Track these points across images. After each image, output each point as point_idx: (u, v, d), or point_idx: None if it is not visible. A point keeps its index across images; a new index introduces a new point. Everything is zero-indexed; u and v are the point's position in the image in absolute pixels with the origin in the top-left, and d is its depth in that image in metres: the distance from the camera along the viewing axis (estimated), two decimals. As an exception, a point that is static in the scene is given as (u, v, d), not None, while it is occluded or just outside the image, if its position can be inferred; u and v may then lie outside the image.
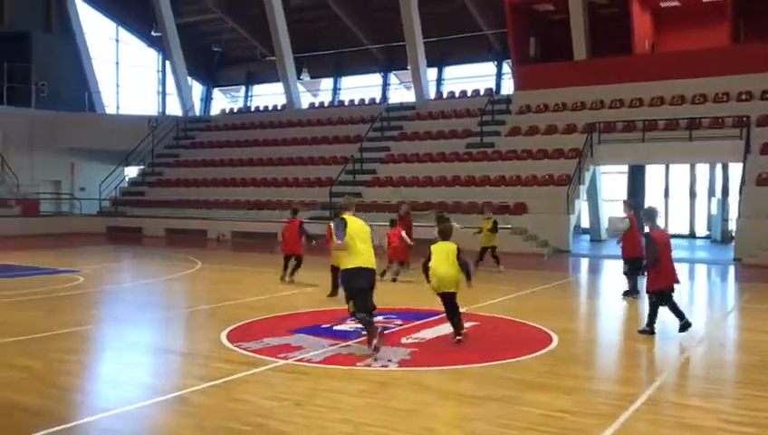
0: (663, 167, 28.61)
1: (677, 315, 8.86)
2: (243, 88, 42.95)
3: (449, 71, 35.98)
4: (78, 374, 7.23)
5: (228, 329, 9.00)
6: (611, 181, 28.84)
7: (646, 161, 25.87)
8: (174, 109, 39.58)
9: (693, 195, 28.67)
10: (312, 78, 38.48)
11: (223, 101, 43.60)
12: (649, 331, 8.89)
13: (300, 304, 11.25)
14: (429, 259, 8.50)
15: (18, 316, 10.08)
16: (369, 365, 7.23)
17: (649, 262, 8.97)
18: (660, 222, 10.18)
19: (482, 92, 30.76)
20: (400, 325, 9.36)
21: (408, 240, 14.34)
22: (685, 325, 8.79)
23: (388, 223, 15.36)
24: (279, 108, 35.39)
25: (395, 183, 26.33)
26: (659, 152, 23.41)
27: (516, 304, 11.75)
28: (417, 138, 28.67)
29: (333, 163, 28.88)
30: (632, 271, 12.05)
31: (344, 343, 8.19)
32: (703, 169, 28.40)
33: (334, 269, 11.36)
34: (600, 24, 27.56)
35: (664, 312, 8.99)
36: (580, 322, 11.18)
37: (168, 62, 38.97)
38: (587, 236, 27.59)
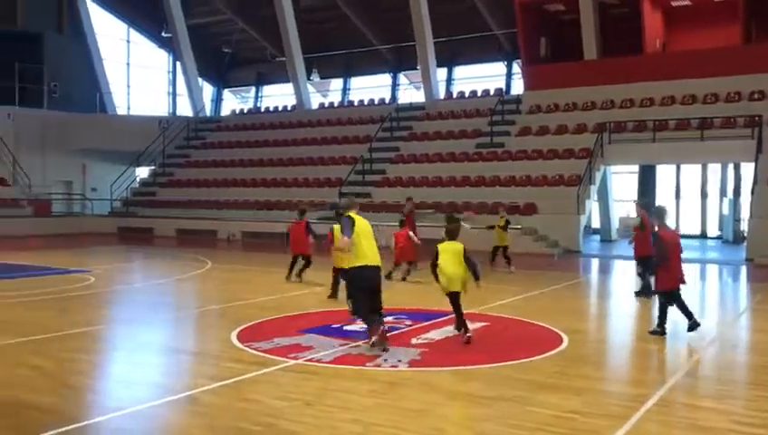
0: (674, 167, 28.47)
1: (686, 315, 8.82)
2: (253, 89, 43.08)
3: (459, 71, 35.94)
4: (89, 374, 7.26)
5: (239, 329, 9.02)
6: (622, 181, 28.71)
7: (656, 161, 25.75)
8: (184, 109, 39.76)
9: (704, 195, 28.50)
10: (321, 78, 38.54)
11: (233, 102, 43.75)
12: (660, 331, 8.85)
13: (310, 305, 11.26)
14: (437, 259, 8.53)
15: (30, 316, 10.15)
16: (379, 365, 7.23)
17: (658, 261, 8.94)
18: (670, 222, 10.14)
19: (492, 92, 30.71)
20: (410, 326, 9.35)
21: (416, 239, 14.33)
22: (693, 325, 8.75)
23: (397, 223, 15.38)
24: (289, 108, 35.46)
25: (404, 183, 26.32)
26: (670, 152, 23.30)
27: (526, 304, 11.72)
28: (427, 138, 28.65)
29: (343, 163, 28.90)
30: (646, 270, 12.00)
31: (354, 344, 8.19)
32: (714, 169, 28.23)
33: (335, 270, 11.40)
34: (611, 23, 27.46)
35: (675, 312, 8.94)
36: (590, 322, 11.14)
37: (178, 63, 39.13)
38: (597, 237, 27.48)
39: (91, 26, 36.54)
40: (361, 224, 8.16)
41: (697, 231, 28.31)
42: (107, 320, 10.42)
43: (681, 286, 8.96)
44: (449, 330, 8.89)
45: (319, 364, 7.26)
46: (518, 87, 31.98)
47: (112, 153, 33.45)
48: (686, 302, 8.98)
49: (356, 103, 34.81)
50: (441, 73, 33.48)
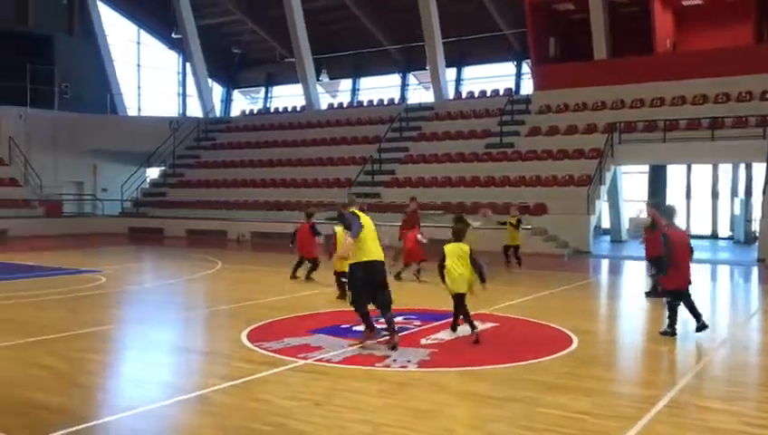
0: (684, 167, 28.33)
1: (694, 316, 8.79)
2: (262, 89, 43.18)
3: (468, 71, 35.89)
4: (99, 373, 7.30)
5: (249, 329, 9.05)
6: (632, 181, 28.59)
7: (667, 161, 25.62)
8: (194, 110, 39.89)
9: (715, 195, 28.33)
10: (330, 79, 38.58)
11: (243, 103, 43.85)
12: (671, 332, 8.81)
13: (320, 305, 11.28)
14: (444, 260, 8.55)
15: (41, 316, 10.21)
16: (389, 366, 7.24)
17: (666, 261, 8.92)
18: (680, 222, 10.11)
19: (501, 92, 30.63)
20: (419, 326, 9.35)
21: (424, 239, 14.32)
22: (701, 326, 8.72)
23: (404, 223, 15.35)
24: (298, 109, 35.51)
25: (413, 184, 26.32)
26: (681, 152, 23.18)
27: (536, 304, 11.69)
28: (436, 138, 28.63)
29: (352, 164, 28.92)
30: (659, 271, 11.94)
31: (363, 344, 8.19)
32: (725, 169, 28.07)
33: (337, 274, 11.42)
34: (621, 23, 27.34)
35: (686, 313, 8.90)
36: (600, 323, 11.11)
37: (188, 64, 39.28)
38: (607, 237, 27.38)
39: (102, 28, 36.72)
40: (364, 220, 8.25)
41: (708, 232, 28.15)
42: (117, 320, 10.47)
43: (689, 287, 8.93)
44: (463, 330, 8.88)
45: (328, 364, 7.28)
46: (527, 87, 31.91)
47: (123, 154, 33.60)
48: (696, 303, 8.94)
49: (365, 104, 34.82)
50: (450, 73, 33.44)
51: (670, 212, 9.34)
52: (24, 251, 20.61)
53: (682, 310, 8.89)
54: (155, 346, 8.62)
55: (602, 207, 24.68)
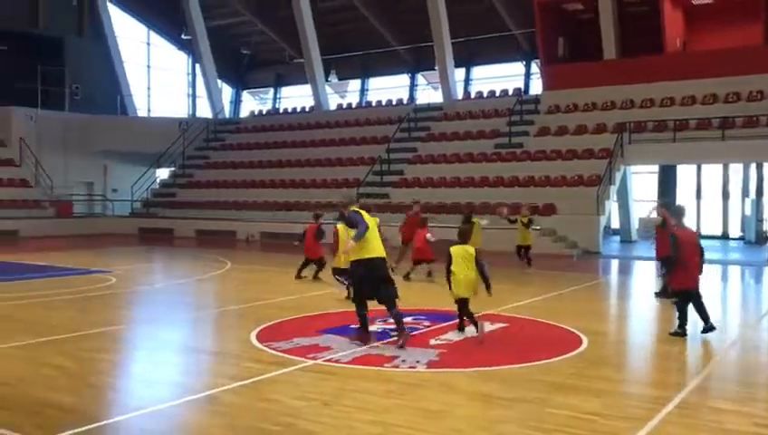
0: (695, 167, 28.18)
1: (702, 317, 8.75)
2: (271, 90, 43.27)
3: (477, 71, 35.85)
4: (110, 373, 7.34)
5: (258, 329, 9.07)
6: (642, 181, 28.47)
7: (677, 161, 25.50)
8: (204, 111, 40.03)
9: (726, 195, 28.17)
10: (339, 79, 38.63)
11: (252, 104, 43.95)
12: (681, 333, 8.77)
13: (329, 305, 11.28)
14: (451, 263, 8.55)
15: (52, 316, 10.27)
16: (398, 366, 7.24)
17: (674, 261, 8.90)
18: (690, 222, 10.08)
19: (510, 92, 30.58)
20: (428, 327, 9.35)
21: (433, 238, 14.32)
22: (708, 328, 8.69)
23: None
24: (307, 110, 35.56)
25: (422, 184, 26.33)
26: (691, 152, 23.07)
27: (545, 305, 11.66)
28: (445, 138, 28.60)
29: (361, 164, 28.94)
30: (668, 270, 11.89)
31: (373, 344, 8.20)
32: (736, 169, 27.90)
33: (338, 271, 11.50)
34: (630, 22, 27.23)
35: (696, 313, 8.86)
36: (610, 323, 11.07)
37: (198, 65, 39.42)
38: (617, 238, 27.28)
39: (112, 29, 36.89)
40: (366, 217, 8.33)
41: (719, 232, 28.00)
42: (128, 320, 10.52)
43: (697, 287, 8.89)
44: (470, 330, 8.87)
45: (337, 365, 7.28)
46: (537, 87, 31.84)
47: (133, 155, 33.75)
48: (706, 304, 8.89)
49: (374, 104, 34.83)
50: (459, 74, 33.39)
51: (679, 212, 9.32)
52: (35, 251, 20.74)
53: (692, 310, 8.85)
54: (165, 346, 8.66)
55: (612, 207, 24.58)
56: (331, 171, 29.42)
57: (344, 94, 40.05)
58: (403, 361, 7.42)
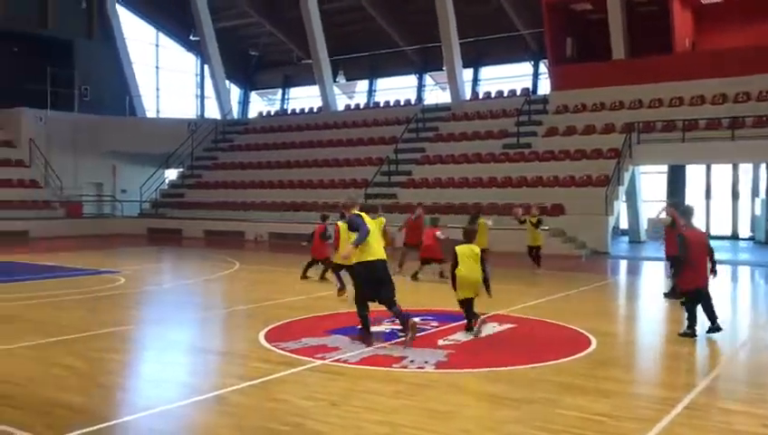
0: (704, 167, 28.06)
1: (710, 317, 8.72)
2: (280, 91, 43.36)
3: (485, 71, 35.80)
4: (119, 373, 7.37)
5: (266, 329, 9.09)
6: (651, 182, 28.37)
7: (686, 161, 25.40)
8: (212, 112, 40.15)
9: (735, 195, 28.03)
10: (347, 80, 38.64)
11: (260, 105, 44.06)
12: (690, 333, 8.73)
13: (337, 305, 11.29)
14: (457, 263, 8.57)
15: (62, 316, 10.32)
16: (406, 367, 7.24)
17: (682, 261, 8.87)
18: (700, 222, 10.05)
19: (518, 93, 30.53)
20: (437, 327, 9.34)
21: (442, 236, 14.31)
22: (715, 329, 8.65)
23: (428, 222, 15.32)
24: (315, 110, 35.62)
25: (430, 184, 26.32)
26: (700, 152, 22.97)
27: (554, 305, 11.64)
28: (453, 139, 28.58)
29: (369, 165, 28.96)
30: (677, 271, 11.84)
31: (381, 345, 8.20)
32: (746, 169, 27.76)
33: (336, 266, 11.77)
34: (639, 22, 27.13)
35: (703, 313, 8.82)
36: (619, 324, 11.04)
37: (206, 67, 39.54)
38: (626, 238, 27.19)
39: (121, 31, 37.05)
40: (368, 221, 8.42)
41: (729, 232, 27.87)
42: (136, 320, 10.56)
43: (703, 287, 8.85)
44: (485, 328, 8.87)
45: (345, 365, 7.29)
46: (545, 87, 31.77)
47: (142, 155, 33.88)
48: (715, 304, 8.85)
49: (382, 105, 34.84)
50: (467, 74, 33.37)
51: (688, 212, 9.29)
52: (45, 252, 20.84)
53: (701, 311, 8.81)
54: (173, 346, 8.69)
55: (621, 207, 24.51)
56: (338, 172, 29.45)
57: (352, 95, 40.09)
58: (411, 361, 7.41)
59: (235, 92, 42.94)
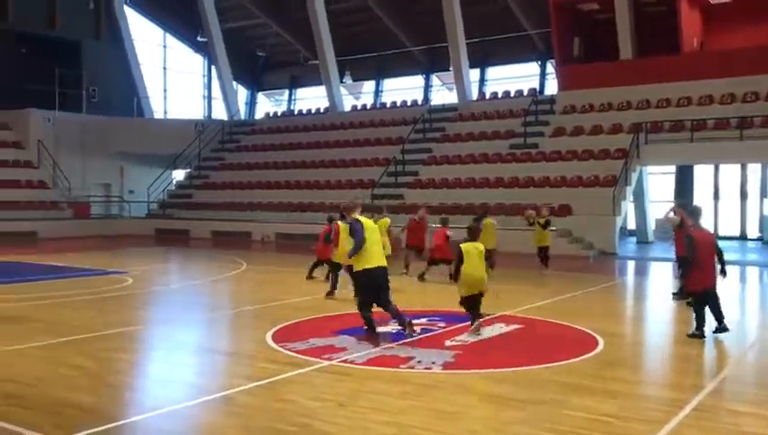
0: (712, 167, 27.95)
1: (717, 317, 8.69)
2: (286, 92, 43.43)
3: (492, 71, 35.77)
4: (128, 373, 7.40)
5: (273, 329, 9.10)
6: (658, 182, 28.28)
7: (694, 162, 25.31)
8: (219, 113, 40.23)
9: (744, 195, 27.92)
10: (354, 81, 38.65)
11: (267, 105, 44.16)
12: (699, 335, 8.69)
13: (345, 306, 11.29)
14: (462, 261, 8.61)
15: (70, 316, 10.36)
16: (413, 368, 7.24)
17: (690, 261, 8.85)
18: (708, 223, 10.03)
19: (525, 93, 30.48)
20: (444, 328, 9.33)
21: (450, 235, 14.29)
22: (721, 329, 8.62)
23: (439, 222, 15.30)
24: (322, 111, 35.65)
25: (437, 185, 26.30)
26: (709, 152, 22.88)
27: (561, 306, 11.61)
28: (460, 139, 28.56)
29: (375, 165, 28.97)
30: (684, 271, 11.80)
31: (388, 345, 8.21)
32: (754, 169, 27.64)
33: (333, 265, 11.96)
34: (647, 22, 27.04)
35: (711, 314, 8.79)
36: (626, 325, 11.01)
37: (213, 67, 39.62)
38: (633, 239, 27.12)
39: (129, 32, 37.18)
40: (367, 226, 8.54)
41: (737, 233, 27.76)
42: (144, 320, 10.59)
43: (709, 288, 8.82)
44: (485, 331, 8.87)
45: (352, 365, 7.29)
46: (552, 87, 31.73)
47: (149, 156, 33.98)
48: (722, 305, 8.82)
49: (388, 105, 34.83)
50: (474, 74, 33.34)
51: (696, 213, 9.27)
52: (53, 252, 20.93)
53: (708, 312, 8.78)
54: (181, 347, 8.72)
55: (628, 208, 24.43)
56: (345, 172, 29.47)
57: (359, 95, 40.12)
58: (418, 362, 7.42)
59: (242, 93, 43.01)
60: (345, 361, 7.46)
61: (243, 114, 41.11)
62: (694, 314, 8.88)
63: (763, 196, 27.23)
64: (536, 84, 32.88)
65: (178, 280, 16.75)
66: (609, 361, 7.70)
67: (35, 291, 12.76)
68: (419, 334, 8.48)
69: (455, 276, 8.93)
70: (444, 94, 35.64)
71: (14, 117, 32.27)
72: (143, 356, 8.53)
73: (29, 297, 11.97)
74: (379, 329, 9.04)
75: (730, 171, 28.21)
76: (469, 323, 9.00)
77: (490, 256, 14.88)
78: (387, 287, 8.56)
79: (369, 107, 35.68)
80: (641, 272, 18.87)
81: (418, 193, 25.85)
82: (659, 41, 26.53)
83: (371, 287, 8.45)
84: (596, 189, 22.65)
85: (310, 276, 14.37)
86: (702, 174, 28.40)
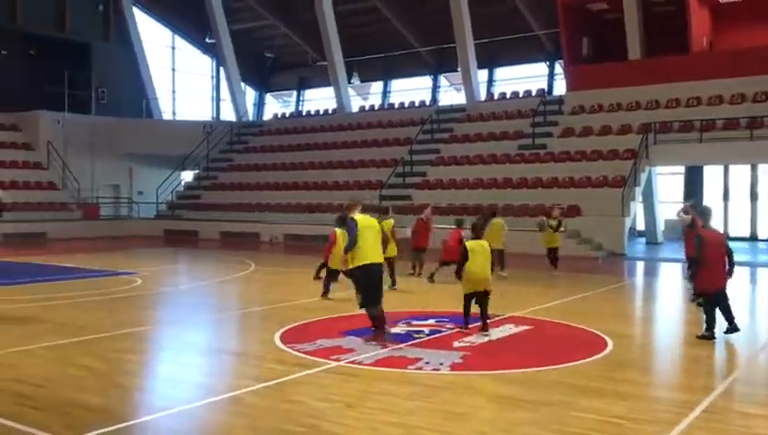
0: (722, 167, 27.80)
1: (727, 318, 8.64)
2: (294, 93, 43.51)
3: (500, 72, 35.73)
4: (136, 374, 7.42)
5: (281, 330, 9.11)
6: (668, 182, 28.16)
7: (704, 162, 25.19)
8: (228, 114, 40.37)
9: (754, 196, 27.76)
10: (362, 81, 38.69)
11: (275, 106, 44.23)
12: (709, 336, 8.64)
13: (352, 307, 11.28)
14: (466, 258, 8.61)
15: (79, 317, 10.39)
16: (421, 368, 7.22)
17: (699, 262, 8.80)
18: (718, 224, 9.97)
19: (534, 93, 30.42)
20: (452, 329, 9.31)
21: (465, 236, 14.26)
22: (732, 329, 8.57)
23: (453, 223, 15.23)
24: (330, 112, 35.69)
25: (445, 186, 26.27)
26: (718, 153, 22.77)
27: (570, 307, 11.57)
28: (468, 140, 28.52)
29: (383, 166, 28.96)
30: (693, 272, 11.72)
31: (396, 346, 8.19)
32: (765, 170, 27.47)
33: (330, 271, 12.04)
34: (656, 22, 26.95)
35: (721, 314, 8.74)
36: (636, 326, 10.96)
37: (222, 69, 39.73)
38: (643, 239, 27.01)
39: (138, 34, 37.34)
40: (364, 223, 8.50)
41: (747, 233, 27.60)
42: (153, 321, 10.62)
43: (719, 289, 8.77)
44: (493, 332, 8.84)
45: (360, 366, 7.29)
46: (560, 88, 31.65)
47: (158, 157, 34.09)
48: (734, 306, 8.76)
49: (396, 106, 34.83)
50: (482, 75, 33.31)
51: (706, 213, 9.21)
52: (63, 253, 21.02)
53: (719, 313, 8.72)
54: (189, 347, 8.73)
55: (637, 208, 24.33)
56: (353, 173, 29.48)
57: (367, 96, 40.14)
58: (426, 363, 7.40)
59: (250, 94, 43.13)
60: (353, 362, 7.45)
61: (251, 115, 41.20)
62: (704, 316, 8.82)
63: (773, 196, 27.09)
64: (544, 85, 32.81)
65: (187, 281, 16.79)
66: (619, 362, 7.66)
67: (44, 292, 12.81)
68: (380, 344, 8.25)
69: (458, 274, 8.93)
70: (452, 95, 35.65)
71: (24, 118, 32.47)
72: (152, 357, 8.54)
73: (38, 298, 12.02)
74: (389, 329, 9.03)
75: (740, 172, 28.05)
76: (476, 324, 8.98)
77: (500, 256, 14.91)
78: (381, 287, 8.58)
79: (377, 108, 35.69)
80: (650, 273, 18.79)
81: (426, 194, 25.83)
82: (668, 40, 26.43)
83: (369, 283, 8.43)
84: (605, 190, 22.57)
85: (317, 277, 14.36)
86: (711, 175, 28.27)
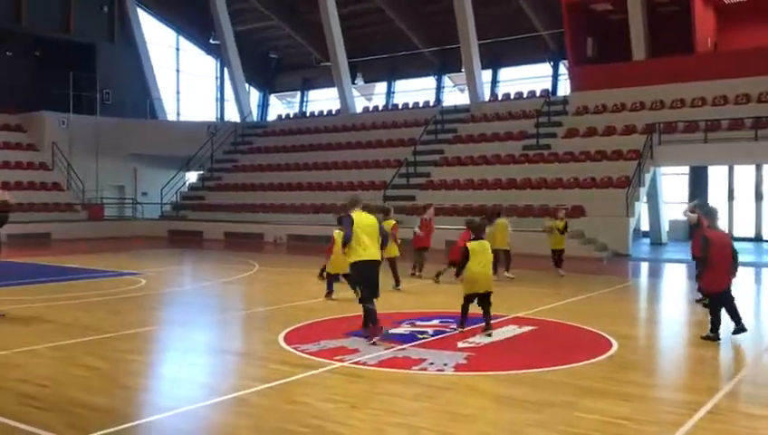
0: (726, 168, 27.73)
1: (733, 318, 8.61)
2: (299, 93, 43.53)
3: (504, 72, 35.69)
4: (141, 374, 7.43)
5: (285, 331, 9.11)
6: (672, 183, 28.10)
7: (709, 162, 25.13)
8: (232, 115, 40.41)
9: (759, 197, 27.68)
10: (366, 82, 38.69)
11: (279, 107, 44.28)
12: (714, 337, 8.62)
13: (356, 307, 11.28)
14: (467, 258, 8.61)
15: (84, 317, 10.42)
16: (425, 369, 7.22)
17: (704, 262, 8.78)
18: (722, 224, 9.93)
19: (538, 94, 30.39)
20: (456, 330, 9.30)
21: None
22: (740, 329, 8.55)
23: (463, 224, 15.20)
24: (334, 112, 35.72)
25: (449, 186, 26.26)
26: (723, 153, 22.71)
27: (575, 308, 11.55)
28: (472, 140, 28.51)
29: (387, 167, 28.96)
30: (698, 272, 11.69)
31: (400, 347, 8.19)
32: (770, 170, 27.41)
33: (329, 274, 12.09)
34: (660, 22, 26.89)
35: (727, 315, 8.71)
36: (640, 327, 10.93)
37: (226, 70, 39.80)
38: (647, 240, 26.95)
39: (142, 35, 37.42)
40: (361, 221, 8.57)
41: (752, 234, 27.52)
42: (158, 321, 10.64)
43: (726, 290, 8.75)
44: (497, 333, 8.84)
45: (365, 367, 7.29)
46: (564, 88, 31.60)
47: (162, 158, 34.16)
48: (739, 307, 8.74)
49: (400, 107, 34.82)
50: (486, 75, 33.28)
51: (712, 213, 9.19)
52: (67, 254, 21.08)
53: (724, 314, 8.70)
54: (194, 348, 8.74)
55: (642, 209, 24.28)
56: (357, 174, 29.48)
57: (371, 97, 40.13)
58: (431, 363, 7.40)
59: (254, 95, 43.18)
60: (357, 362, 7.46)
61: (255, 116, 41.24)
62: (710, 317, 8.80)
63: (778, 197, 27.00)
64: (549, 85, 32.78)
65: (191, 281, 16.82)
66: (623, 363, 7.65)
67: (49, 292, 12.84)
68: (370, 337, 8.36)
69: (458, 274, 8.92)
70: (456, 95, 35.62)
71: (29, 119, 32.57)
72: (156, 357, 8.56)
73: (43, 298, 12.05)
74: (393, 330, 9.04)
75: (745, 172, 27.98)
76: (480, 324, 8.98)
77: (506, 257, 14.89)
78: (377, 282, 8.63)
79: (380, 108, 35.70)
80: (655, 273, 18.75)
81: (430, 194, 25.82)
82: (673, 41, 26.37)
83: (366, 279, 8.49)
84: (609, 190, 22.54)
85: (321, 276, 14.36)
86: (716, 175, 28.19)
